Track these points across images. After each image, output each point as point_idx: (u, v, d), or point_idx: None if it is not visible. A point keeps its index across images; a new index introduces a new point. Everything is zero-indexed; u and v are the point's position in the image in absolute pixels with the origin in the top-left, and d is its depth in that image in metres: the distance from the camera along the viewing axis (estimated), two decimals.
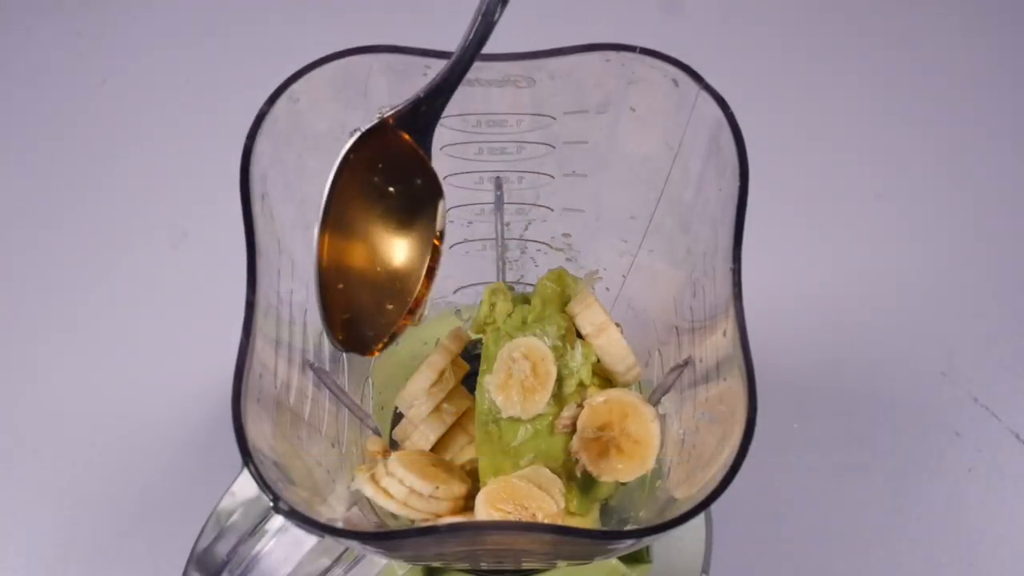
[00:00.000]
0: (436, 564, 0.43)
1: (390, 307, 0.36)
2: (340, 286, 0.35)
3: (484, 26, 0.32)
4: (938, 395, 0.59)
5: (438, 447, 0.44)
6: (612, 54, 0.35)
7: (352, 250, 0.36)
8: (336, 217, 0.35)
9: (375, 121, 0.34)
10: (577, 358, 0.39)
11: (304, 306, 0.38)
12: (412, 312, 0.37)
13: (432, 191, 0.36)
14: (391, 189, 0.36)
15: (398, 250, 0.36)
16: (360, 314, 0.36)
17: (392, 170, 0.35)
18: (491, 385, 0.39)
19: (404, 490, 0.37)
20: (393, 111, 0.34)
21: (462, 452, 0.44)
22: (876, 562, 0.54)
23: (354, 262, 0.36)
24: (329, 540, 0.36)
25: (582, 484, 0.40)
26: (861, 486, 0.56)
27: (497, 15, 0.32)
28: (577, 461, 0.39)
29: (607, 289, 0.46)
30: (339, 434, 0.41)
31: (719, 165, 0.34)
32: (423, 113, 0.34)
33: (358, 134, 0.34)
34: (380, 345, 0.37)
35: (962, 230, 0.65)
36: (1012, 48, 0.73)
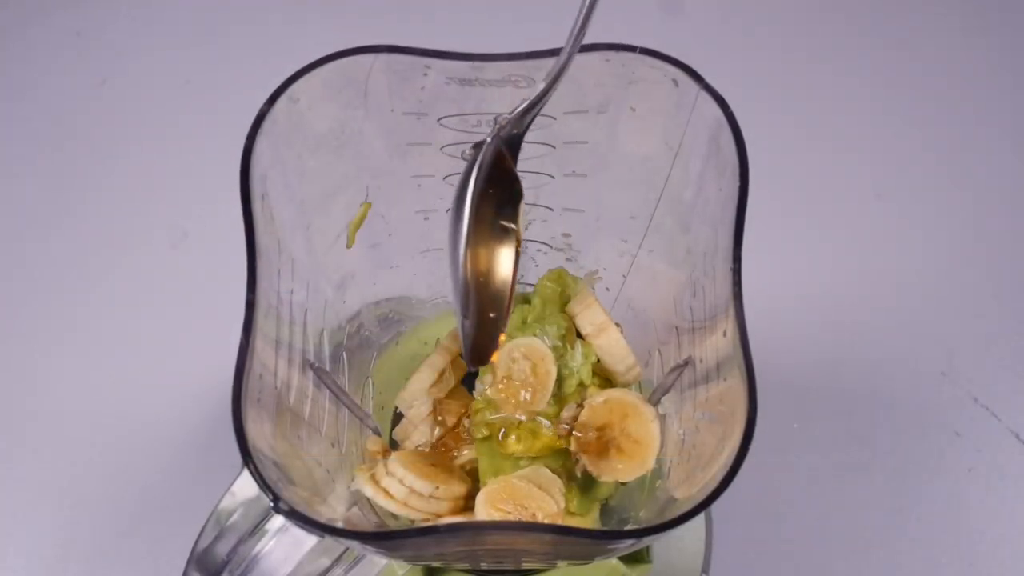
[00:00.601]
0: (436, 564, 0.43)
1: (493, 315, 0.36)
2: (471, 304, 0.35)
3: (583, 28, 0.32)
4: (938, 395, 0.59)
5: (438, 447, 0.44)
6: (612, 54, 0.35)
7: (476, 265, 0.35)
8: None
9: (494, 131, 0.34)
10: (577, 358, 0.40)
11: (304, 306, 0.38)
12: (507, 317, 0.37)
13: (516, 194, 0.36)
14: (491, 197, 0.35)
15: (496, 257, 0.36)
16: (480, 329, 0.36)
17: (492, 179, 0.35)
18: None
19: (404, 490, 0.37)
20: (508, 120, 0.34)
21: (462, 452, 0.44)
22: (876, 562, 0.54)
23: (478, 277, 0.35)
24: (329, 540, 0.36)
25: (582, 484, 0.40)
26: (861, 486, 0.56)
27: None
28: (577, 461, 0.39)
29: (607, 289, 0.46)
30: (339, 434, 0.41)
31: (719, 165, 0.34)
32: (525, 120, 0.34)
33: (484, 147, 0.34)
34: (494, 355, 0.37)
35: (962, 230, 0.65)
36: (1012, 48, 0.73)
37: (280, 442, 0.33)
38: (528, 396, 0.38)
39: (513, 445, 0.39)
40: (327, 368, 0.41)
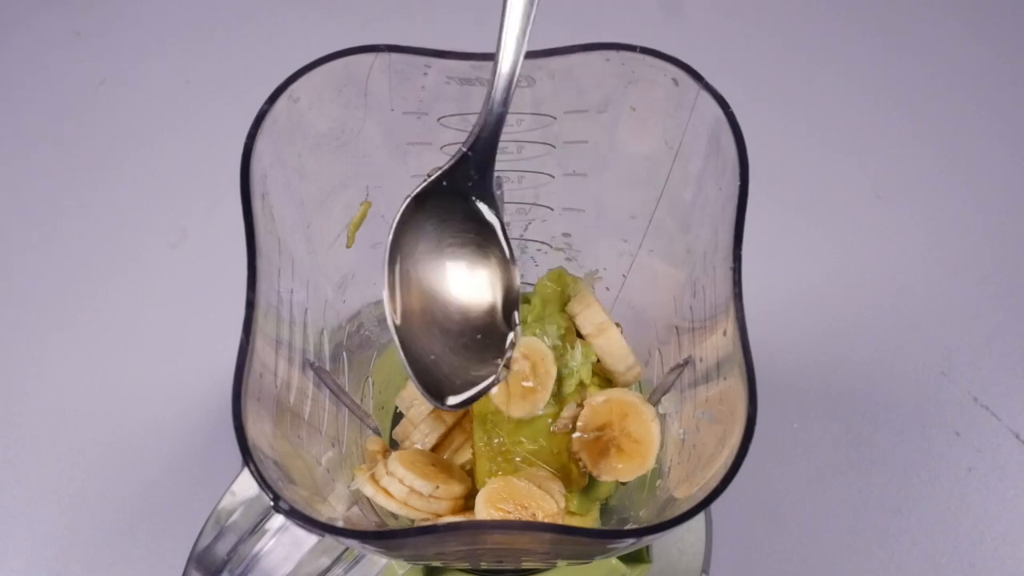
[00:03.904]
0: (436, 564, 0.43)
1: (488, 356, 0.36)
2: (429, 348, 0.35)
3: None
4: (938, 395, 0.59)
5: (438, 447, 0.44)
6: (612, 54, 0.35)
7: (432, 306, 0.36)
8: (407, 277, 0.36)
9: (424, 185, 0.35)
10: (577, 358, 0.39)
11: (304, 305, 0.38)
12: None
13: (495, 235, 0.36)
14: (457, 239, 0.36)
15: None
16: (455, 370, 0.36)
17: (454, 223, 0.36)
18: None
19: (404, 490, 0.37)
20: (441, 172, 0.35)
21: (462, 452, 0.44)
22: (876, 562, 0.54)
23: (437, 318, 0.36)
24: (329, 539, 0.36)
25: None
26: (861, 486, 0.56)
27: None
28: (577, 461, 0.39)
29: (607, 289, 0.46)
30: (339, 434, 0.41)
31: (719, 164, 0.34)
32: (475, 161, 0.35)
33: (408, 200, 0.35)
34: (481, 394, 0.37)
35: (962, 230, 0.65)
36: (1012, 47, 0.73)
37: (280, 441, 0.33)
38: (528, 396, 0.38)
39: (512, 445, 0.39)
40: (327, 368, 0.41)
